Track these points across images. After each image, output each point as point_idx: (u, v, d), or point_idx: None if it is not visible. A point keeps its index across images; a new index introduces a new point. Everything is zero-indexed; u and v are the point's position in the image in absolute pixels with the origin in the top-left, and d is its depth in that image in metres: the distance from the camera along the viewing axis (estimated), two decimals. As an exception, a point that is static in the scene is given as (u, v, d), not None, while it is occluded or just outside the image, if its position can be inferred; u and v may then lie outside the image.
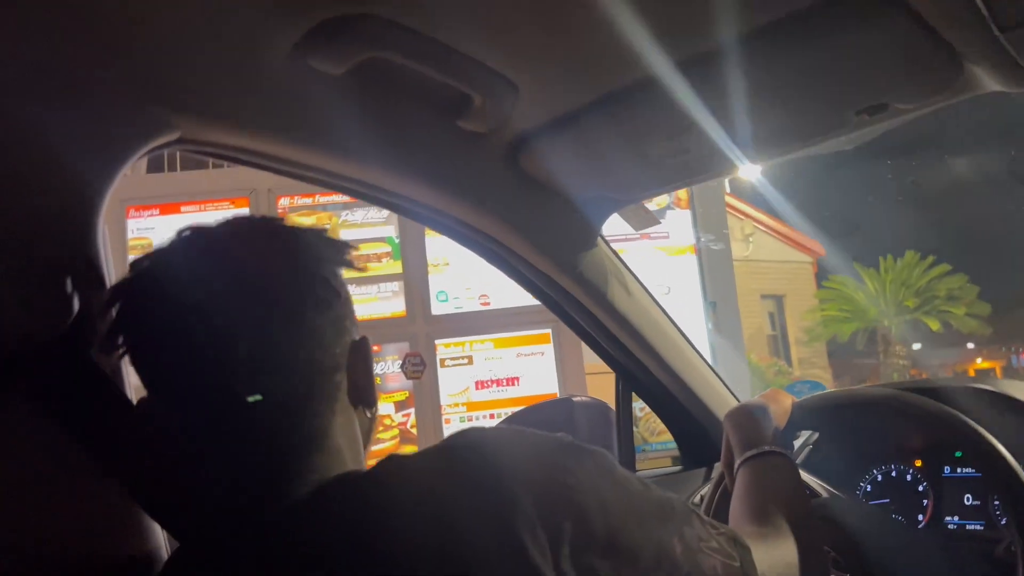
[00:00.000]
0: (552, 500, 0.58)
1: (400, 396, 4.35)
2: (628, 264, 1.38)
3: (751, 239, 13.33)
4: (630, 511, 0.63)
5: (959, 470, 1.20)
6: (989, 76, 0.81)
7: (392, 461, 0.62)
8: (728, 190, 12.85)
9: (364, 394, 0.71)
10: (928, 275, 13.50)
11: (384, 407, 4.31)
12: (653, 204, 4.84)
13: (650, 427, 4.03)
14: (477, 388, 4.32)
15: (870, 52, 0.81)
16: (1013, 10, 0.70)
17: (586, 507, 0.59)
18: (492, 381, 4.32)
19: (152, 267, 0.66)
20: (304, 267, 0.67)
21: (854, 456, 1.31)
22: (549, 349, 4.29)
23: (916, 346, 14.22)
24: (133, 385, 0.85)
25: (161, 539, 0.80)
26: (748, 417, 1.10)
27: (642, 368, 1.44)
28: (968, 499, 1.18)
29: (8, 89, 0.74)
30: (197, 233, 0.67)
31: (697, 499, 1.46)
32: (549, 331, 4.33)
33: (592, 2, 0.78)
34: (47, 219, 0.74)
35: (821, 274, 14.61)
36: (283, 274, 0.65)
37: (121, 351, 0.67)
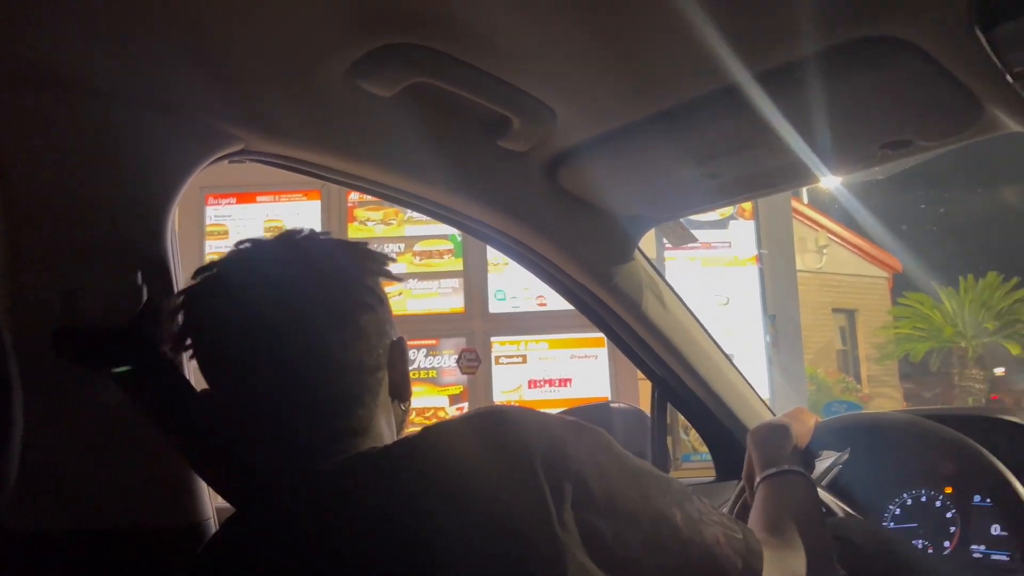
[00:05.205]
0: (554, 464, 0.64)
1: (455, 390, 4.45)
2: (666, 278, 1.42)
3: (825, 251, 12.95)
4: (628, 480, 0.69)
5: (988, 499, 1.20)
6: (1008, 118, 0.82)
7: (425, 433, 0.69)
8: (806, 200, 12.52)
9: (400, 389, 0.79)
10: (1011, 297, 12.86)
11: (439, 400, 4.41)
12: (716, 213, 4.82)
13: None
14: (530, 387, 4.37)
15: (891, 91, 0.83)
16: (1022, 58, 0.72)
17: (584, 473, 0.65)
18: (545, 381, 4.37)
19: (215, 275, 0.75)
20: (350, 276, 0.75)
21: (885, 479, 1.31)
22: (603, 353, 4.31)
23: (998, 370, 13.55)
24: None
25: (210, 509, 0.90)
26: (770, 435, 1.13)
27: (676, 379, 1.47)
28: (995, 529, 1.17)
29: (96, 90, 0.83)
30: (256, 245, 0.76)
31: (725, 510, 1.48)
32: (603, 335, 4.32)
33: (624, 36, 0.82)
34: (122, 219, 0.84)
35: (897, 290, 14.09)
36: (331, 282, 0.73)
37: (187, 350, 0.76)
